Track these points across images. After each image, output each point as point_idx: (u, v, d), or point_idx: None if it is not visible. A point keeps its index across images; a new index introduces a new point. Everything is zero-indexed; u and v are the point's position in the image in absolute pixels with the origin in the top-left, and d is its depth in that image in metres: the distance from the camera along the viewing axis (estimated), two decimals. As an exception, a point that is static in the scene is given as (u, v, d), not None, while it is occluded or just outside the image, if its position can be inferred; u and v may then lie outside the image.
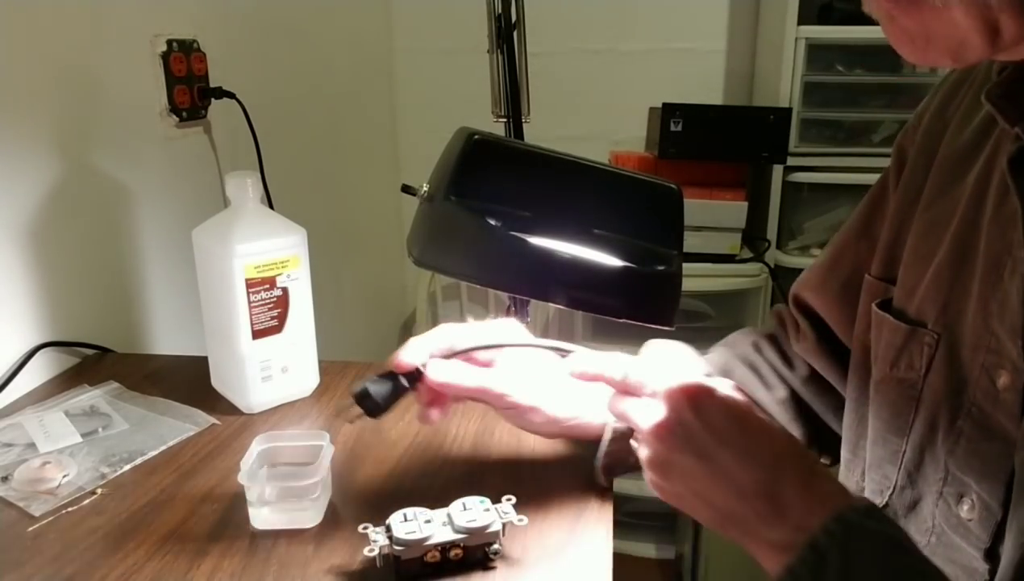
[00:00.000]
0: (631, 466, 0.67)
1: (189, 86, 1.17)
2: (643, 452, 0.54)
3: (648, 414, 0.53)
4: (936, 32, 0.42)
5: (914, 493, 0.57)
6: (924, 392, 0.56)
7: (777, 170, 1.79)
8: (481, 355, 0.67)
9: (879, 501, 0.60)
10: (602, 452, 0.68)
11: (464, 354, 0.66)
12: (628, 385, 0.56)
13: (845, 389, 0.70)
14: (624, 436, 0.65)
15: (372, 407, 0.63)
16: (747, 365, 0.78)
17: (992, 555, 0.50)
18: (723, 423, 0.50)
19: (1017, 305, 0.49)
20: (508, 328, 0.69)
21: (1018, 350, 0.48)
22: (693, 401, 0.51)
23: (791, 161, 1.75)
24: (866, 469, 0.62)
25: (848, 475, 0.66)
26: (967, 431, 0.52)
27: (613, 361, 0.58)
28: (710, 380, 0.52)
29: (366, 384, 0.64)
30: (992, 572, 0.50)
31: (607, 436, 0.67)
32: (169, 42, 1.13)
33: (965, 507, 0.52)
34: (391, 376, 0.64)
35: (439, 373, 0.63)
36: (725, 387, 0.52)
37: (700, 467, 0.50)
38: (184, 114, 1.17)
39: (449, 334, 0.66)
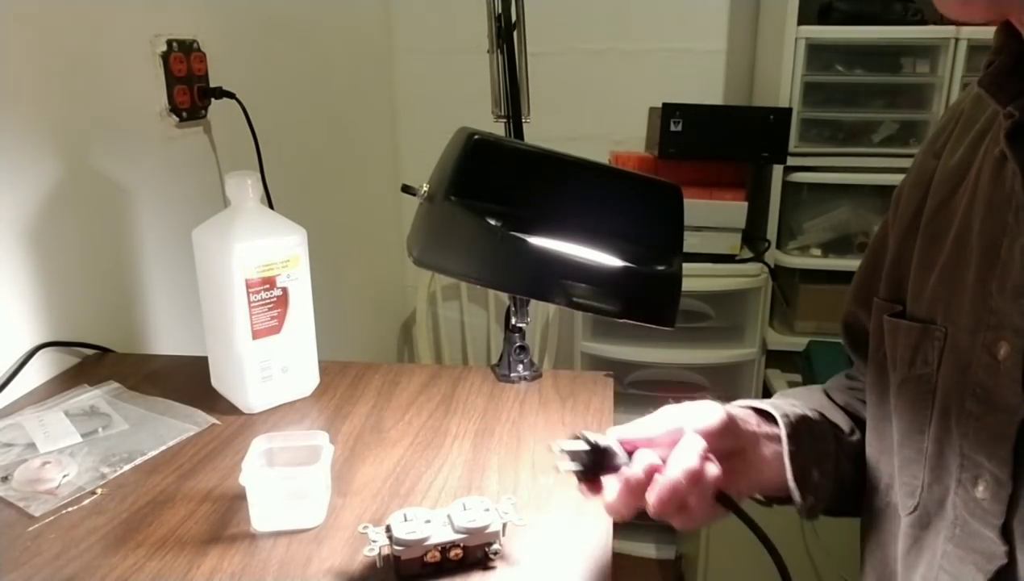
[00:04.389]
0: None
1: (189, 86, 1.17)
2: None
3: None
4: None
5: (940, 489, 0.58)
6: (938, 385, 0.58)
7: (777, 170, 1.79)
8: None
9: (911, 503, 0.61)
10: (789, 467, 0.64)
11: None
12: None
13: None
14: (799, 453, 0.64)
15: (586, 469, 0.57)
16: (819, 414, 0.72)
17: (1007, 532, 0.52)
18: None
19: (1020, 267, 0.51)
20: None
21: (1019, 311, 0.51)
22: None
23: (791, 161, 1.75)
24: (895, 473, 0.63)
25: (872, 489, 0.67)
26: (974, 410, 0.54)
27: None
28: None
29: (588, 439, 0.56)
30: (1009, 553, 0.52)
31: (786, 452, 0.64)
32: (169, 42, 1.13)
33: (980, 487, 0.54)
34: (609, 447, 0.57)
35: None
36: None
37: None
38: (184, 114, 1.17)
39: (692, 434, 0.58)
